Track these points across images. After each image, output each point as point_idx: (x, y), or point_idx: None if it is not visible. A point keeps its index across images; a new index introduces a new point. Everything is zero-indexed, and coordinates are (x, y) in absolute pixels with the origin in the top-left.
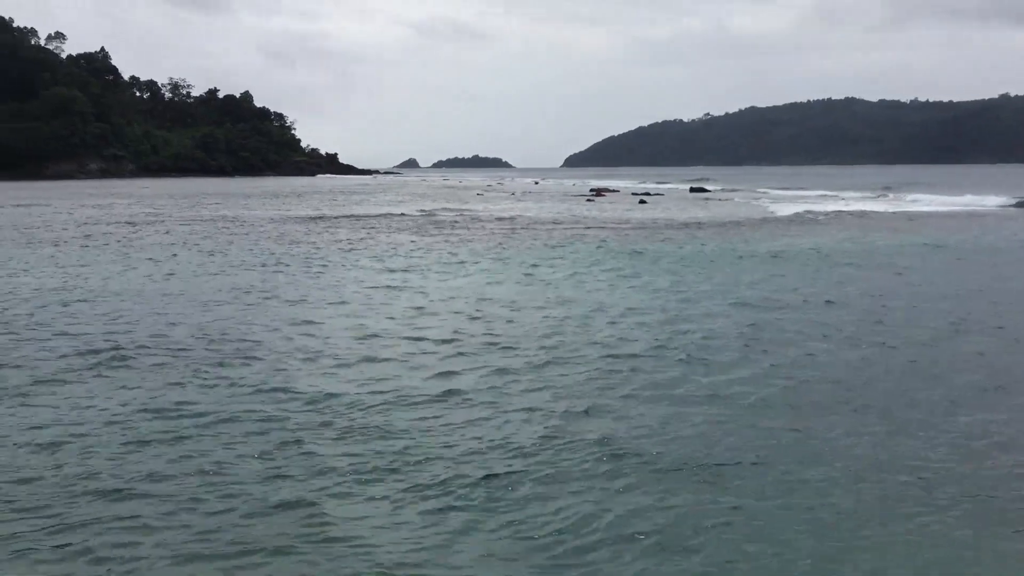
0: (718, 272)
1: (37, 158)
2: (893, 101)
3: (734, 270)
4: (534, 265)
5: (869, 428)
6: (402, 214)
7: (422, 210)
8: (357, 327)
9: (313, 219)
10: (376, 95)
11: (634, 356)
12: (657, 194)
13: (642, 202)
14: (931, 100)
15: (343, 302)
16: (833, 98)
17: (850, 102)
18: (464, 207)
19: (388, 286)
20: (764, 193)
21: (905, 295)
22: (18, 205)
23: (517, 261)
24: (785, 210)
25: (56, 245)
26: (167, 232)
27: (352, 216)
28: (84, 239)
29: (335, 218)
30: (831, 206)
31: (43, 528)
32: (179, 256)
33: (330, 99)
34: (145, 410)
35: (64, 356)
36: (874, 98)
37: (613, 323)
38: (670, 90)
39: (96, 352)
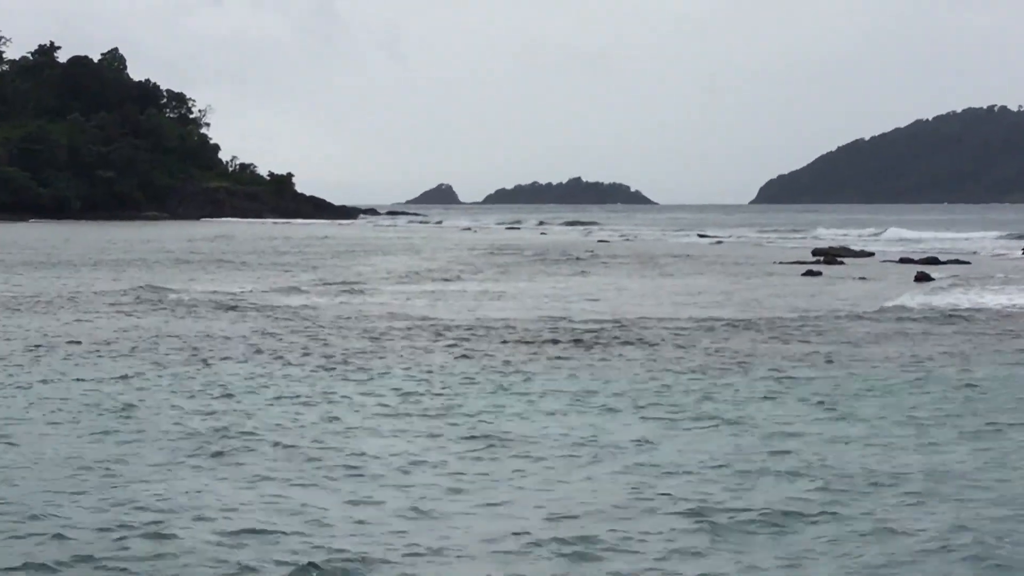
0: None
1: None
2: None
3: None
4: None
5: None
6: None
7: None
8: None
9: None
10: (383, 61)
11: None
12: (953, 261)
13: (923, 278)
14: None
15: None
16: None
17: None
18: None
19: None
20: None
21: None
22: None
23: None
24: None
25: None
26: None
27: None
28: None
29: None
30: None
31: None
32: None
33: (288, 67)
34: None
35: None
36: None
37: None
38: (975, 50)
39: None
